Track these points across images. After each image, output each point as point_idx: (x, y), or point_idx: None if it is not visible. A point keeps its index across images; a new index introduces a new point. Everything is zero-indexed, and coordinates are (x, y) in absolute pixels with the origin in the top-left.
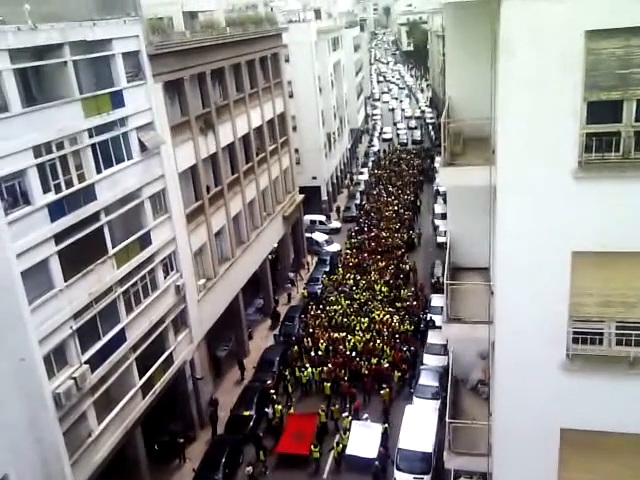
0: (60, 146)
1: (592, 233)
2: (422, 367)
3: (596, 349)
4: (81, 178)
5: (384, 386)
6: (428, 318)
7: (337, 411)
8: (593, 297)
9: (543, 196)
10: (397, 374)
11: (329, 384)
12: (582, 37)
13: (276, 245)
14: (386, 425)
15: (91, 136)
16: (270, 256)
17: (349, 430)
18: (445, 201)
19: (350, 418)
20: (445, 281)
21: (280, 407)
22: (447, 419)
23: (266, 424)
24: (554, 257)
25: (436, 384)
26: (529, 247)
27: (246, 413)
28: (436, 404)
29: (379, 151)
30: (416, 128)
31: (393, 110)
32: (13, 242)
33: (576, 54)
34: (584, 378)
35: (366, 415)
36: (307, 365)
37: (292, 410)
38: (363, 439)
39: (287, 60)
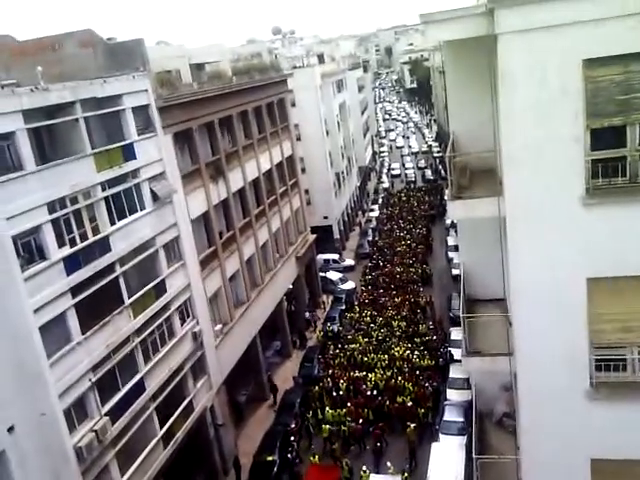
0: (74, 201)
1: (605, 259)
2: (446, 402)
3: (620, 376)
4: (95, 231)
5: (408, 424)
6: (448, 352)
7: (338, 450)
8: (613, 323)
9: (553, 224)
10: (421, 411)
11: (344, 427)
12: (580, 66)
13: (291, 286)
14: (406, 475)
15: (104, 189)
16: (285, 297)
17: None
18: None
19: (368, 473)
20: (461, 314)
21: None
22: (474, 455)
23: (289, 470)
24: (569, 285)
25: (461, 419)
26: (543, 276)
27: (269, 458)
28: (463, 440)
29: (388, 188)
30: (426, 167)
31: (401, 148)
32: (30, 298)
33: (576, 83)
34: (610, 406)
35: (388, 463)
36: (327, 408)
37: (316, 458)
38: None
39: (293, 104)
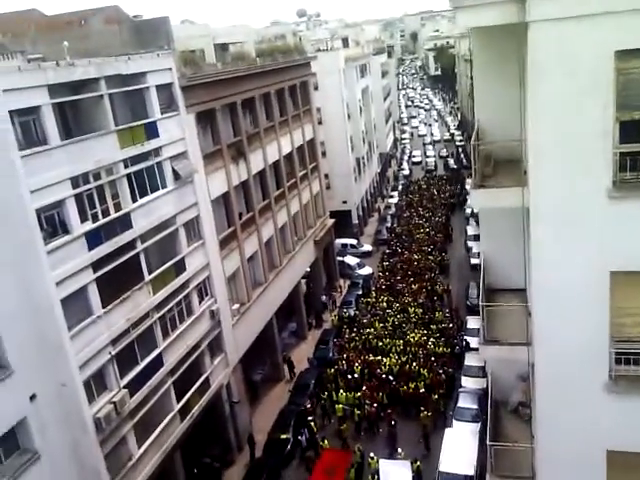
0: (97, 177)
1: (629, 252)
2: (460, 390)
3: None
4: (117, 207)
5: (422, 409)
6: (464, 340)
7: (347, 429)
8: (634, 317)
9: (578, 216)
10: (435, 397)
11: (359, 411)
12: (612, 57)
13: (308, 269)
14: (418, 463)
15: (126, 166)
16: (305, 280)
17: (377, 473)
18: (477, 222)
19: (376, 459)
20: (481, 303)
21: (342, 406)
22: (488, 442)
23: (300, 452)
24: (592, 278)
25: (475, 406)
26: (566, 268)
27: (283, 436)
28: (476, 427)
29: (408, 175)
30: (448, 156)
31: (423, 136)
32: (52, 270)
33: (606, 74)
34: (629, 399)
35: (399, 449)
36: (341, 391)
37: (325, 442)
38: (394, 479)
39: (316, 88)
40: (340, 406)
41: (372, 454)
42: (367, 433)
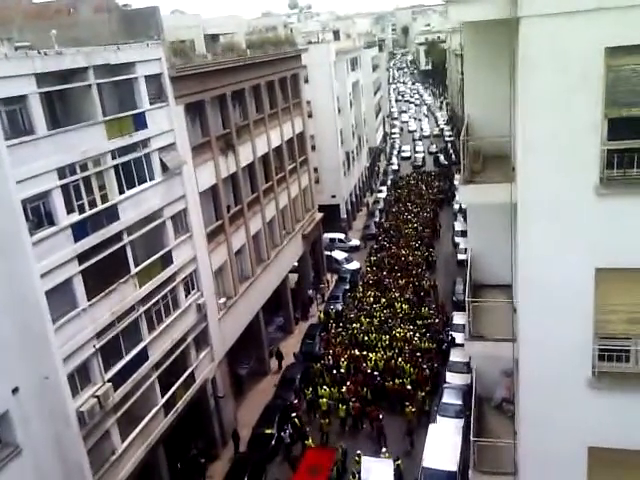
0: (84, 167)
1: (615, 249)
2: (445, 385)
3: (623, 366)
4: (104, 199)
5: (406, 404)
6: (449, 336)
7: (326, 424)
8: (619, 314)
9: (565, 213)
10: (421, 394)
11: (344, 407)
12: (602, 54)
13: (296, 263)
14: (399, 462)
15: (114, 157)
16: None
17: (359, 472)
18: (465, 218)
19: (359, 458)
20: (467, 298)
21: (326, 401)
22: (472, 437)
23: (284, 450)
24: (577, 274)
25: (459, 402)
26: (552, 264)
27: (268, 431)
28: (460, 422)
29: (397, 170)
30: (438, 152)
31: (413, 132)
32: (38, 262)
33: (596, 71)
34: (611, 396)
35: (384, 449)
36: (324, 386)
37: (310, 440)
38: (375, 476)
39: (306, 80)
40: (324, 400)
41: (359, 451)
42: (351, 430)
